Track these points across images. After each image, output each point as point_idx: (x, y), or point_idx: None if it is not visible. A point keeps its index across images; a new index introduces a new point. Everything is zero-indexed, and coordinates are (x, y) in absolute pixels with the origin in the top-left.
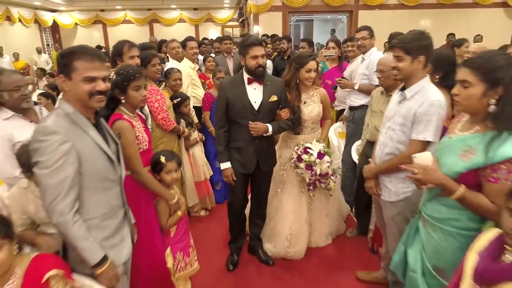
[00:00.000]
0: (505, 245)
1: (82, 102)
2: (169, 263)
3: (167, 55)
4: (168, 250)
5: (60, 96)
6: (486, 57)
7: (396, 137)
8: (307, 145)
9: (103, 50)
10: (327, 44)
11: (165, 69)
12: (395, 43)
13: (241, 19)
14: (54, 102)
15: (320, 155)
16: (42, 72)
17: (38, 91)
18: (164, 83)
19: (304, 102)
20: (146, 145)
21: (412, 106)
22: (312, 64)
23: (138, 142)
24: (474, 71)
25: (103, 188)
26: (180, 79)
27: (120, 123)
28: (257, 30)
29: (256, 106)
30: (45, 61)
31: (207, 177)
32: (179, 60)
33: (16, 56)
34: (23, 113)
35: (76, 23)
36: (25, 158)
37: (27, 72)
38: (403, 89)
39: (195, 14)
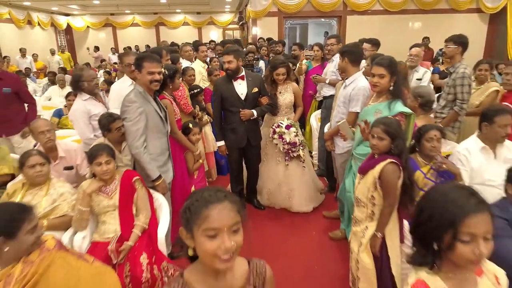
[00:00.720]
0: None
1: (147, 86)
2: None
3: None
4: (193, 187)
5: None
6: (387, 59)
7: (341, 111)
8: (279, 121)
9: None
10: (312, 47)
11: (181, 68)
12: (341, 51)
13: (241, 22)
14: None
15: (288, 127)
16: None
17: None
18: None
19: (280, 92)
20: (178, 115)
21: (349, 90)
22: (280, 70)
23: (175, 113)
24: (385, 68)
25: (157, 137)
26: (194, 75)
27: (165, 100)
28: (255, 32)
29: (242, 97)
30: (57, 61)
31: (215, 149)
32: (191, 60)
33: (35, 57)
34: (94, 96)
35: (88, 26)
36: (105, 122)
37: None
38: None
39: (198, 18)
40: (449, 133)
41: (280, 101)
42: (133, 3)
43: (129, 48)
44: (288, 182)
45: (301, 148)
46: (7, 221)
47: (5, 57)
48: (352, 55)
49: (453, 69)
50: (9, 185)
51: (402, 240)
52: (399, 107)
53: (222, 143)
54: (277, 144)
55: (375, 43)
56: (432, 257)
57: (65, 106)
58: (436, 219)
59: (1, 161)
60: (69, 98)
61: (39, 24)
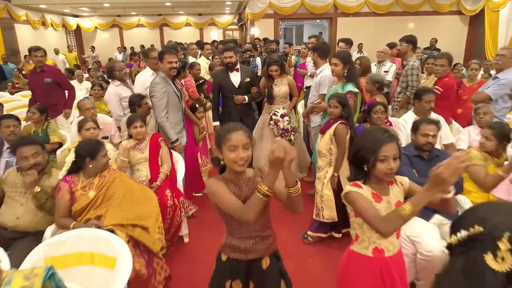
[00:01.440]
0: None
1: (167, 72)
2: (200, 160)
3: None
4: (198, 154)
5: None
6: (342, 53)
7: (314, 93)
8: (275, 110)
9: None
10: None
11: (189, 63)
12: (312, 48)
13: (240, 23)
14: None
15: (282, 116)
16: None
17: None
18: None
19: (276, 84)
20: (187, 97)
21: (318, 78)
22: (273, 67)
23: (184, 95)
24: (339, 59)
25: (175, 110)
26: (199, 69)
27: (177, 85)
28: (253, 33)
29: (236, 85)
30: (61, 61)
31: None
32: (196, 57)
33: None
34: (123, 82)
35: (96, 27)
36: (136, 99)
37: None
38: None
39: (200, 19)
40: (403, 113)
41: (276, 92)
42: (139, 6)
43: (132, 48)
44: None
45: (293, 133)
46: (92, 148)
47: (25, 56)
48: (320, 50)
49: (406, 62)
50: (58, 151)
51: None
52: (350, 87)
53: (217, 123)
54: (272, 128)
55: (349, 42)
56: (363, 175)
57: (91, 95)
58: (365, 149)
59: (52, 132)
60: (94, 88)
61: (52, 25)
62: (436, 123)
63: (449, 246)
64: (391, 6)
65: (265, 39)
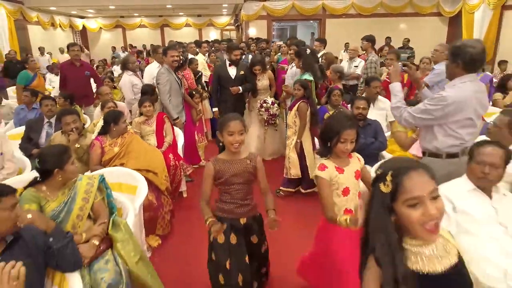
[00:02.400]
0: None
1: (170, 64)
2: (196, 137)
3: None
4: (195, 133)
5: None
6: (298, 50)
7: (289, 82)
8: (265, 99)
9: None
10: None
11: (188, 59)
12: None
13: (237, 24)
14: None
15: (273, 103)
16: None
17: None
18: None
19: (259, 80)
20: (186, 86)
21: (294, 69)
22: (256, 67)
23: (184, 84)
24: (295, 55)
25: (177, 95)
26: (197, 64)
27: (178, 75)
28: (250, 33)
29: (233, 77)
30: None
31: (210, 116)
32: (194, 54)
33: (49, 55)
34: (135, 72)
35: (100, 27)
36: (149, 88)
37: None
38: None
39: (199, 20)
40: None
41: (259, 85)
42: (142, 7)
43: (135, 47)
44: (267, 139)
45: (278, 118)
46: (115, 116)
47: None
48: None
49: (367, 57)
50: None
51: (314, 147)
52: (306, 76)
53: (216, 109)
54: (261, 114)
55: (323, 42)
56: (328, 151)
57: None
58: (331, 130)
59: None
60: (106, 80)
61: (60, 26)
62: (366, 99)
63: (372, 183)
64: (375, 8)
65: (258, 39)
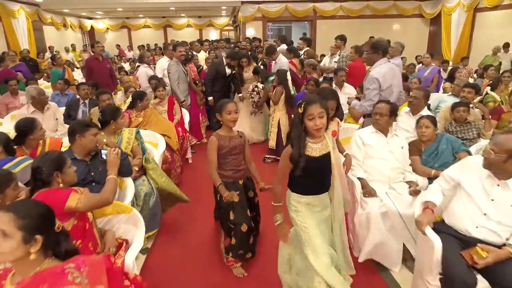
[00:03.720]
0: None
1: (178, 58)
2: (200, 118)
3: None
4: (200, 114)
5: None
6: (269, 50)
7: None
8: (255, 84)
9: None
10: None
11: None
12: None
13: (235, 25)
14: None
15: (263, 88)
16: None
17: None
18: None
19: (245, 71)
20: (192, 77)
21: (279, 63)
22: (243, 60)
23: (189, 74)
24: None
25: (183, 82)
26: (197, 60)
27: (185, 67)
28: (247, 33)
29: (227, 75)
30: (71, 58)
31: None
32: (197, 51)
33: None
34: (149, 65)
35: (107, 28)
36: (155, 77)
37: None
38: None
39: (199, 21)
40: None
41: (245, 76)
42: (147, 9)
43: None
44: (253, 127)
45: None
46: (140, 94)
47: (57, 51)
48: (268, 50)
49: (341, 53)
50: None
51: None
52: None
53: (211, 98)
54: (253, 97)
55: (306, 40)
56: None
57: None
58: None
59: None
60: (122, 73)
61: (71, 26)
62: (317, 82)
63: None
64: (362, 10)
65: (254, 38)
